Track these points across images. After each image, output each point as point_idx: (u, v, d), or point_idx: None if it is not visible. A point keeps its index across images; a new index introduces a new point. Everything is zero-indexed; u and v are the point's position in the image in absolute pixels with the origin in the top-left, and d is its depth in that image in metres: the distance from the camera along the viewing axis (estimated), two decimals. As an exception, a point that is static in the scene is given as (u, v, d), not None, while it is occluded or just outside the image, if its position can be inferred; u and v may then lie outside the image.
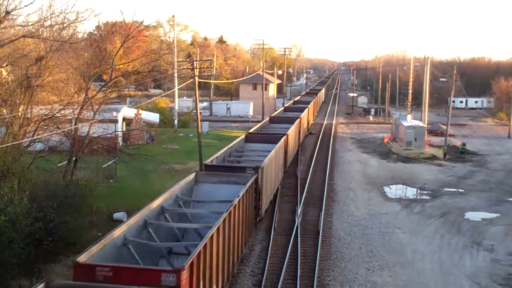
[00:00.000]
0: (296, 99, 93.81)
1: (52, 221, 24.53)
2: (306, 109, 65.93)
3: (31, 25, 30.99)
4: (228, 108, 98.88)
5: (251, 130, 45.46)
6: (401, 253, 28.42)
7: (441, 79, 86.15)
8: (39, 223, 23.38)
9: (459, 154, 59.53)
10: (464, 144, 61.73)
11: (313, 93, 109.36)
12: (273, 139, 39.09)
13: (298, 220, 31.97)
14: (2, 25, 29.43)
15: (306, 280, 23.98)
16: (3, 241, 21.40)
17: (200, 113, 51.61)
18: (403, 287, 24.12)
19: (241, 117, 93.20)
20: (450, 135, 65.47)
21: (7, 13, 29.07)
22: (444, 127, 67.13)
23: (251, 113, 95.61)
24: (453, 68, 65.44)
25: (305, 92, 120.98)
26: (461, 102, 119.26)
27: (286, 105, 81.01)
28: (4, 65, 31.27)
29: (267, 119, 56.36)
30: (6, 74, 33.05)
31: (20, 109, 29.87)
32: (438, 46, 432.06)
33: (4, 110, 29.79)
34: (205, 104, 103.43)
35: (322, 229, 30.91)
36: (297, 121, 51.54)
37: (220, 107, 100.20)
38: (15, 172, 27.09)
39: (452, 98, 67.16)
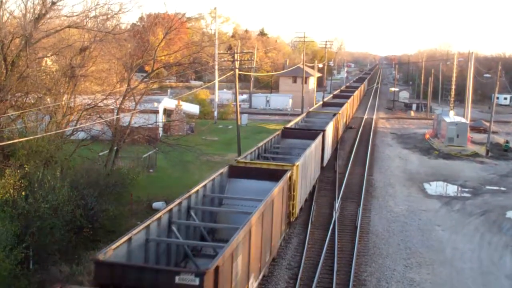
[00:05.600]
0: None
1: (93, 208, 25.04)
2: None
3: (76, 15, 31.52)
4: (268, 101, 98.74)
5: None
6: (440, 250, 28.04)
7: (485, 75, 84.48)
8: (80, 210, 23.85)
9: (502, 151, 58.34)
10: (507, 142, 60.50)
11: (354, 87, 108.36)
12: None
13: (335, 215, 31.84)
14: (48, 16, 29.98)
15: (342, 275, 23.89)
16: (45, 227, 21.90)
17: (240, 105, 51.74)
18: (442, 285, 23.82)
19: (280, 110, 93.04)
20: (493, 132, 64.17)
21: (53, 3, 29.63)
22: (487, 124, 65.81)
23: (290, 106, 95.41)
24: (497, 64, 64.12)
25: (345, 86, 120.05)
26: (505, 98, 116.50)
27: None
28: (49, 54, 31.89)
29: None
30: (51, 64, 33.71)
31: (64, 98, 30.44)
32: (483, 42, 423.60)
33: (48, 99, 30.39)
34: (244, 96, 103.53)
35: (360, 224, 30.75)
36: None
37: (260, 99, 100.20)
38: (58, 160, 27.67)
39: (496, 95, 65.70)
